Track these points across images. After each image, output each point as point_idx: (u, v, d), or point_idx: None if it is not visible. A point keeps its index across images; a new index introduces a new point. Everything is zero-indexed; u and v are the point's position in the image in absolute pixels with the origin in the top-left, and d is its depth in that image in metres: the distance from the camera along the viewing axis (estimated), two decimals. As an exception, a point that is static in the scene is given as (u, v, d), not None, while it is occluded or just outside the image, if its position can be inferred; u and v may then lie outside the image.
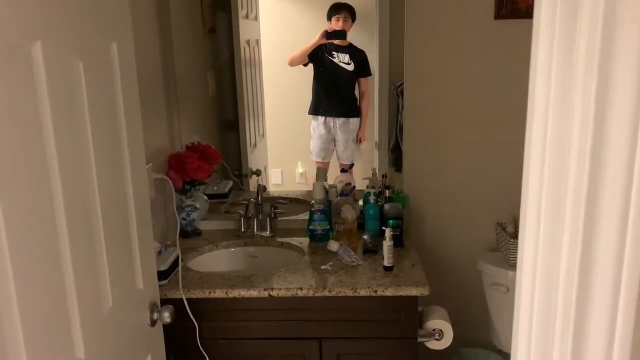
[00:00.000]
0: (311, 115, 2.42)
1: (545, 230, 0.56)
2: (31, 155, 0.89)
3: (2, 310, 0.81)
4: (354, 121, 2.39)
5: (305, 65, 2.35)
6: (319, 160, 2.46)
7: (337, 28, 2.26)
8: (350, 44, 2.32)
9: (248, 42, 2.50)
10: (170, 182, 1.83)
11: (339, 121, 2.39)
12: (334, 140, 2.42)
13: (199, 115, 2.43)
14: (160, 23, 2.04)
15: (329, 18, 2.29)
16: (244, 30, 2.45)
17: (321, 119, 2.40)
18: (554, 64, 0.51)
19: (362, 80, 2.35)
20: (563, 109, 0.50)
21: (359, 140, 2.39)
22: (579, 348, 0.53)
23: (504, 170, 2.18)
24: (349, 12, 2.27)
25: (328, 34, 2.28)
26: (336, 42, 2.30)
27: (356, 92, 2.38)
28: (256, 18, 2.54)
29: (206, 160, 2.07)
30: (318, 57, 2.33)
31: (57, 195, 0.96)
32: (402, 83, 2.20)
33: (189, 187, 2.07)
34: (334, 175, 2.41)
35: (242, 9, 2.44)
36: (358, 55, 2.32)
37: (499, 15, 2.01)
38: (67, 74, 1.01)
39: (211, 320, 1.70)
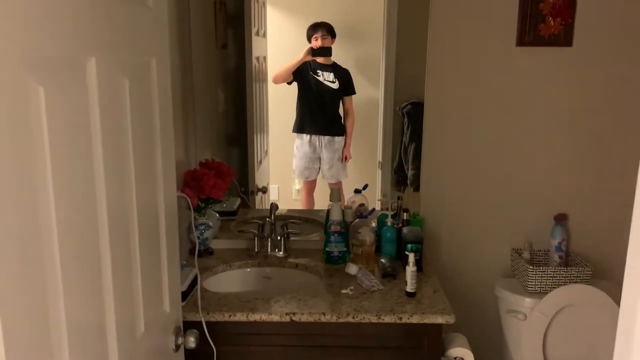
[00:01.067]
0: (295, 134, 2.40)
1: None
2: (83, 175, 0.85)
3: (51, 331, 0.76)
4: (339, 139, 2.38)
5: (289, 83, 2.34)
6: (303, 179, 2.44)
7: (320, 46, 2.26)
8: (335, 63, 2.31)
9: (257, 58, 2.49)
10: (188, 199, 1.78)
11: (324, 139, 2.38)
12: (319, 158, 2.40)
13: (210, 131, 2.40)
14: (180, 39, 2.01)
15: (309, 38, 2.28)
16: (255, 46, 2.44)
17: (306, 137, 2.39)
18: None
19: (347, 98, 2.34)
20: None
21: (344, 159, 2.37)
22: None
23: (520, 197, 2.18)
24: (327, 30, 2.27)
25: (313, 51, 2.27)
26: (320, 60, 2.30)
27: (340, 111, 2.37)
28: (265, 35, 2.53)
29: (222, 177, 2.03)
30: (302, 75, 2.32)
31: (102, 213, 0.92)
32: (408, 104, 2.19)
33: (203, 205, 2.03)
34: (320, 195, 2.39)
35: (254, 25, 2.43)
36: (342, 74, 2.31)
37: (521, 42, 2.01)
38: (115, 90, 0.97)
39: (229, 344, 1.64)
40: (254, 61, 2.46)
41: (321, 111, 2.40)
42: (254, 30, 2.44)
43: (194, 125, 2.14)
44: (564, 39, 2.00)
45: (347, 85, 2.32)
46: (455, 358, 1.73)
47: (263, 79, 2.50)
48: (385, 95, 2.32)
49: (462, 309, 2.19)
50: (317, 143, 2.38)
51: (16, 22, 0.67)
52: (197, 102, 2.16)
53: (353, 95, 2.33)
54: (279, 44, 2.50)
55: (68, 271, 0.79)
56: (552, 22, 1.98)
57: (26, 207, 0.70)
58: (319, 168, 2.42)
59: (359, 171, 2.45)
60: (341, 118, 2.36)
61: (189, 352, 1.48)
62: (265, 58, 2.56)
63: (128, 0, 1.03)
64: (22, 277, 0.69)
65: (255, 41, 2.46)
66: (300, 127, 2.38)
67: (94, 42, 0.88)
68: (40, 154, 0.73)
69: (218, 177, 2.01)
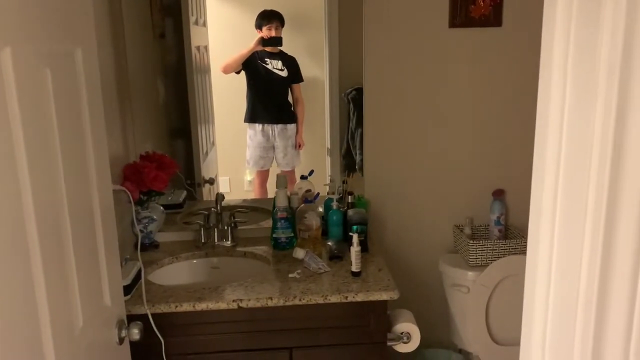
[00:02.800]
0: (247, 124, 2.40)
1: (561, 232, 0.57)
2: (3, 168, 0.83)
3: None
4: (291, 127, 2.39)
5: (238, 72, 2.33)
6: (258, 168, 2.45)
7: (271, 35, 2.25)
8: (281, 51, 2.32)
9: (198, 48, 2.46)
10: (128, 193, 1.75)
11: (277, 128, 2.38)
12: (273, 147, 2.41)
13: (150, 123, 2.35)
14: (113, 28, 1.96)
15: (259, 27, 2.28)
16: (194, 36, 2.40)
17: (259, 126, 2.38)
18: (569, 68, 0.52)
19: (295, 86, 2.35)
20: (581, 113, 0.51)
21: (297, 146, 2.39)
22: (599, 345, 0.54)
23: (459, 175, 2.24)
24: (279, 20, 2.27)
25: (264, 41, 2.27)
26: (268, 49, 2.29)
27: (290, 99, 2.38)
28: (205, 24, 2.50)
29: (163, 170, 2.00)
30: (252, 64, 2.31)
31: (28, 209, 0.90)
32: (352, 89, 2.22)
33: (145, 198, 2.00)
34: (273, 184, 2.41)
35: (192, 14, 2.39)
36: (290, 62, 2.32)
37: (453, 23, 2.07)
38: (35, 81, 0.95)
39: (178, 335, 1.64)
40: (194, 51, 2.42)
41: (272, 100, 2.40)
42: (192, 19, 2.40)
43: (131, 118, 2.10)
44: (494, 19, 2.06)
45: (295, 73, 2.32)
46: (402, 333, 1.78)
47: (205, 69, 2.47)
48: (331, 82, 2.33)
49: (409, 286, 2.25)
50: (270, 132, 2.38)
51: None
52: (133, 94, 2.11)
53: (301, 83, 2.33)
54: (220, 33, 2.47)
55: (-9, 267, 0.78)
56: (482, 3, 2.04)
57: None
58: (273, 157, 2.42)
59: (308, 158, 2.47)
60: (291, 106, 2.37)
61: (137, 345, 1.47)
62: (206, 47, 2.53)
63: (45, -12, 1.00)
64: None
65: (195, 30, 2.42)
66: (253, 116, 2.37)
67: (8, 31, 0.86)
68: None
69: (159, 169, 1.99)
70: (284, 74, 2.33)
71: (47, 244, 0.96)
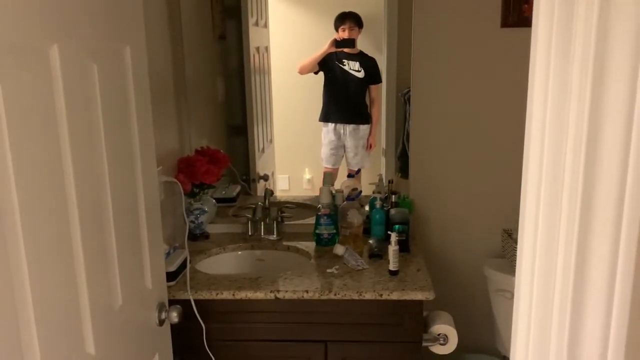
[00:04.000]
0: (322, 122, 2.45)
1: (542, 231, 0.57)
2: (47, 156, 0.92)
3: (18, 307, 0.83)
4: (363, 128, 2.42)
5: (316, 73, 2.38)
6: (329, 166, 2.49)
7: (344, 37, 2.29)
8: (361, 52, 2.35)
9: (257, 49, 2.54)
10: (180, 184, 1.85)
11: (349, 128, 2.42)
12: (344, 146, 2.44)
13: (209, 120, 2.46)
14: (171, 28, 2.07)
15: (336, 29, 2.32)
16: (254, 37, 2.48)
17: (331, 125, 2.43)
18: (551, 71, 0.52)
19: (373, 87, 2.37)
20: (560, 113, 0.51)
21: (369, 147, 2.41)
22: (575, 349, 0.54)
23: (509, 177, 2.18)
24: (355, 21, 2.30)
25: (337, 43, 2.31)
26: (346, 50, 2.33)
27: (367, 99, 2.41)
28: (266, 25, 2.58)
29: (215, 164, 2.10)
30: (328, 65, 2.36)
31: (70, 195, 0.99)
32: (409, 90, 2.22)
33: (197, 190, 2.10)
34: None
35: (252, 16, 2.48)
36: (368, 63, 2.35)
37: (505, 23, 2.03)
38: (82, 77, 1.04)
39: (218, 322, 1.71)
40: (253, 51, 2.51)
41: (346, 100, 2.44)
42: (252, 21, 2.48)
43: (187, 114, 2.21)
44: (549, 19, 2.00)
45: (373, 74, 2.35)
46: (439, 335, 1.77)
47: (265, 69, 2.55)
48: (388, 82, 2.34)
49: (452, 288, 2.23)
50: (342, 131, 2.43)
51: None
52: (191, 92, 2.22)
53: (379, 84, 2.37)
54: (282, 33, 2.54)
55: (32, 245, 0.86)
56: (535, 3, 1.98)
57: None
58: (344, 156, 2.47)
59: (370, 158, 2.49)
60: (367, 107, 2.40)
61: (180, 329, 1.55)
62: (267, 48, 2.61)
63: (95, -9, 1.09)
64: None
65: (255, 31, 2.50)
66: (326, 116, 2.43)
67: (56, 29, 0.95)
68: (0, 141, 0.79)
69: (211, 163, 2.08)
70: (361, 75, 2.36)
71: (89, 231, 1.04)
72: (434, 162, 2.21)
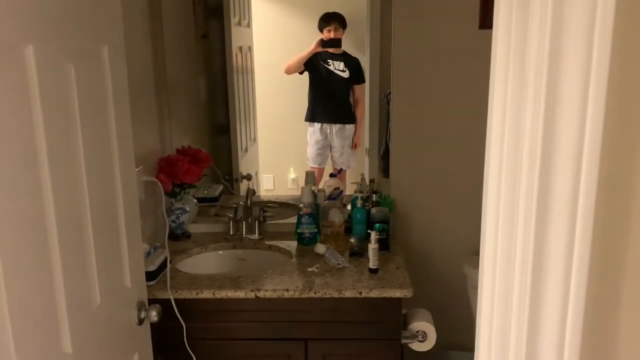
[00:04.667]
0: (308, 122, 2.47)
1: (503, 227, 0.59)
2: (23, 156, 0.92)
3: (-9, 304, 0.84)
4: (349, 127, 2.44)
5: (301, 73, 2.40)
6: (315, 166, 2.51)
7: (330, 37, 2.31)
8: (345, 52, 2.37)
9: (240, 48, 2.54)
10: (160, 184, 1.86)
11: (335, 127, 2.44)
12: (330, 146, 2.46)
13: (190, 120, 2.46)
14: (152, 27, 2.07)
15: (321, 29, 2.34)
16: (236, 36, 2.49)
17: (317, 125, 2.45)
18: (510, 73, 0.54)
19: (357, 87, 2.40)
20: (518, 114, 0.53)
21: (354, 146, 2.44)
22: (534, 346, 0.56)
23: (489, 176, 2.22)
24: (339, 22, 2.32)
25: (323, 42, 2.33)
26: (331, 50, 2.35)
27: (351, 99, 2.43)
28: (249, 25, 2.58)
29: (196, 163, 2.10)
30: (314, 65, 2.38)
31: (47, 194, 0.99)
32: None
33: (178, 190, 2.10)
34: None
35: (234, 15, 2.48)
36: (352, 63, 2.37)
37: (483, 25, 2.05)
38: (58, 78, 1.04)
39: (199, 321, 1.72)
40: (236, 51, 2.51)
41: (332, 100, 2.46)
42: (234, 21, 2.49)
43: (168, 113, 2.21)
44: (526, 20, 2.03)
45: (357, 74, 2.38)
46: (417, 332, 1.80)
47: (248, 69, 2.55)
48: (371, 83, 2.37)
49: (432, 286, 2.25)
50: (328, 131, 2.45)
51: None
52: (172, 91, 2.22)
53: (363, 84, 2.39)
54: (266, 33, 2.55)
55: (7, 244, 0.86)
56: (513, 5, 2.01)
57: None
58: (330, 155, 2.49)
59: (355, 157, 2.51)
60: (352, 106, 2.42)
61: (160, 329, 1.56)
62: (250, 48, 2.62)
63: (72, -9, 1.09)
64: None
65: (238, 31, 2.51)
66: (312, 115, 2.45)
67: (32, 29, 0.95)
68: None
69: (192, 162, 2.08)
70: (346, 75, 2.38)
71: (66, 231, 1.05)
72: (414, 162, 2.23)
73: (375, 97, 2.38)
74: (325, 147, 2.46)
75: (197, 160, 2.13)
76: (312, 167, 2.50)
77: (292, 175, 2.66)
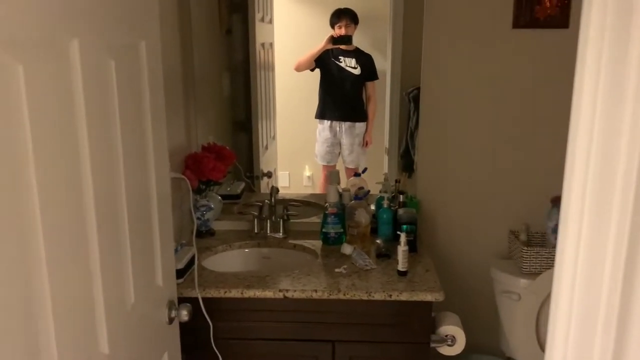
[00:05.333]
0: (317, 120, 2.44)
1: (588, 229, 0.56)
2: (65, 151, 0.90)
3: (36, 306, 0.82)
4: (359, 125, 2.40)
5: (312, 70, 2.37)
6: (324, 163, 2.48)
7: (341, 34, 2.28)
8: (357, 48, 2.34)
9: (263, 44, 2.52)
10: (188, 181, 1.84)
11: (345, 125, 2.41)
12: (340, 144, 2.43)
13: (214, 116, 2.44)
14: (180, 23, 2.05)
15: (332, 26, 2.31)
16: (260, 33, 2.47)
17: (327, 122, 2.42)
18: (602, 70, 0.51)
19: (369, 84, 2.37)
20: (612, 114, 0.50)
21: (365, 144, 2.40)
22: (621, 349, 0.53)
23: (516, 179, 2.19)
24: (350, 18, 2.29)
25: (334, 39, 2.31)
26: (342, 46, 2.32)
27: (363, 96, 2.39)
28: (271, 21, 2.56)
29: (222, 160, 2.08)
30: (325, 61, 2.35)
31: (88, 191, 0.97)
32: (414, 89, 2.21)
33: (204, 187, 2.09)
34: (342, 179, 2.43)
35: (258, 11, 2.46)
36: (364, 59, 2.34)
37: (517, 24, 2.02)
38: (100, 72, 1.02)
39: (225, 320, 1.70)
40: (259, 47, 2.49)
41: (342, 97, 2.43)
42: (258, 16, 2.47)
43: (195, 110, 2.19)
44: (561, 20, 2.00)
45: (369, 71, 2.34)
46: (446, 336, 1.77)
47: (270, 65, 2.53)
48: (392, 80, 2.33)
49: (458, 289, 2.22)
50: (338, 128, 2.42)
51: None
52: (198, 87, 2.20)
53: (375, 81, 2.35)
54: (287, 30, 2.53)
55: (51, 244, 0.85)
56: (547, 4, 1.98)
57: (7, 184, 0.75)
58: (339, 153, 2.46)
59: (367, 156, 2.48)
60: (363, 103, 2.39)
61: (187, 327, 1.54)
62: (271, 44, 2.60)
63: (113, -15, 1.07)
64: (4, 250, 0.74)
65: (261, 27, 2.49)
66: (322, 112, 2.42)
67: (77, 24, 0.93)
68: (22, 133, 0.77)
69: (218, 160, 2.06)
70: (357, 71, 2.35)
71: (104, 227, 1.03)
72: (441, 163, 2.20)
73: (397, 95, 2.34)
74: (334, 145, 2.43)
75: (222, 157, 2.11)
76: (324, 166, 2.47)
77: (308, 172, 2.64)
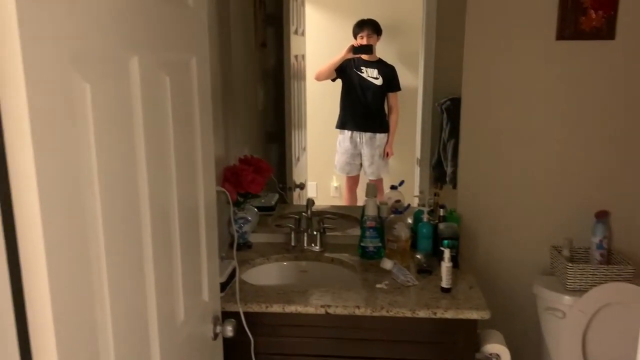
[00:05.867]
0: (338, 130, 2.43)
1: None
2: (126, 171, 0.90)
3: (98, 322, 0.81)
4: (380, 136, 2.38)
5: (334, 80, 2.37)
6: (344, 174, 2.46)
7: (362, 44, 2.27)
8: (380, 59, 2.33)
9: (296, 56, 2.53)
10: (228, 194, 1.84)
11: (365, 136, 2.39)
12: (360, 154, 2.41)
13: (248, 128, 2.45)
14: (220, 37, 2.07)
15: (355, 36, 2.30)
16: (293, 45, 2.48)
17: (347, 133, 2.41)
18: None
19: (391, 95, 2.35)
20: None
21: (385, 155, 2.37)
22: None
23: (560, 193, 2.14)
24: (373, 28, 2.28)
25: (355, 49, 2.30)
26: (365, 57, 2.31)
27: (385, 107, 2.37)
28: (303, 33, 2.57)
29: (260, 173, 2.08)
30: (346, 71, 2.35)
31: (144, 203, 0.97)
32: (447, 100, 2.18)
33: (242, 199, 2.08)
34: (361, 192, 2.40)
35: (292, 24, 2.47)
36: (387, 70, 2.32)
37: (561, 36, 1.98)
38: (157, 88, 1.02)
39: (266, 335, 1.69)
40: (293, 59, 2.50)
41: (363, 107, 2.42)
42: (292, 29, 2.48)
43: (233, 122, 2.20)
44: (607, 32, 1.95)
45: (391, 82, 2.33)
46: (490, 354, 1.73)
47: (301, 77, 2.54)
48: (424, 91, 2.31)
49: (499, 306, 2.17)
50: (358, 139, 2.40)
51: (67, 24, 0.72)
52: (236, 100, 2.21)
53: (398, 92, 2.34)
54: (318, 42, 2.54)
55: (112, 260, 0.84)
56: (593, 15, 1.93)
57: (73, 199, 0.75)
58: (360, 164, 2.44)
59: (397, 167, 2.46)
60: (385, 114, 2.37)
61: (227, 342, 1.53)
62: (303, 56, 2.60)
63: (170, 0, 1.08)
64: (70, 268, 0.74)
65: (294, 40, 2.50)
66: (343, 123, 2.41)
67: (136, 41, 0.93)
68: (86, 147, 0.78)
69: (256, 172, 2.06)
70: (379, 82, 2.34)
71: (159, 240, 1.03)
72: (482, 176, 2.16)
73: (429, 106, 2.32)
74: (355, 156, 2.41)
75: (260, 170, 2.10)
76: (347, 177, 2.46)
77: (335, 183, 2.62)
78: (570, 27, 1.96)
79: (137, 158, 0.94)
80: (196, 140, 1.25)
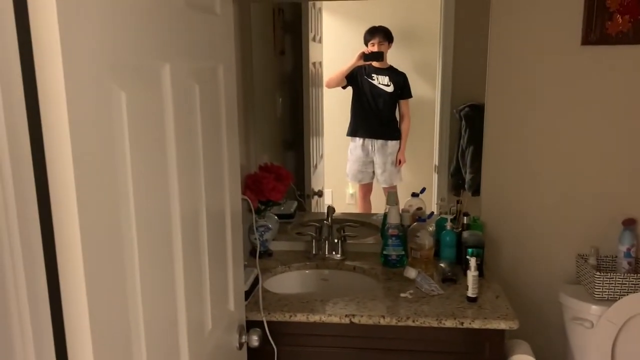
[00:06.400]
0: (349, 138, 2.41)
1: None
2: (158, 179, 0.89)
3: (132, 328, 0.80)
4: (392, 144, 2.36)
5: (344, 87, 2.35)
6: (356, 182, 2.44)
7: (372, 51, 2.26)
8: (391, 66, 2.30)
9: (314, 64, 2.52)
10: (250, 202, 1.83)
11: (377, 143, 2.37)
12: (372, 162, 2.39)
13: (268, 135, 2.45)
14: (241, 45, 2.07)
15: (366, 43, 2.29)
16: (312, 52, 2.47)
17: (359, 140, 2.39)
18: None
19: (402, 102, 2.33)
20: None
21: (398, 162, 2.35)
22: None
23: (586, 201, 2.10)
24: (384, 35, 2.26)
25: (365, 56, 2.28)
26: (376, 64, 2.30)
27: (397, 115, 2.35)
28: (320, 40, 2.56)
29: (281, 181, 2.07)
30: (357, 79, 2.33)
31: (175, 211, 0.96)
32: (465, 106, 2.16)
33: (263, 207, 2.07)
34: (376, 199, 2.40)
35: (311, 31, 2.47)
36: (398, 77, 2.30)
37: (586, 40, 1.95)
38: (187, 95, 1.02)
39: (289, 344, 1.67)
40: (311, 67, 2.49)
41: (375, 115, 2.40)
42: (310, 36, 2.47)
43: (254, 129, 2.19)
44: (634, 36, 1.92)
45: (402, 89, 2.31)
46: (518, 365, 1.69)
47: (319, 84, 2.53)
48: (442, 97, 2.29)
49: (525, 315, 2.12)
50: (370, 147, 2.38)
51: (105, 37, 0.72)
52: (256, 107, 2.21)
53: (409, 99, 2.32)
54: (335, 49, 2.53)
55: (145, 267, 0.83)
56: (620, 20, 1.90)
57: (110, 208, 0.74)
58: (373, 172, 2.42)
59: (414, 175, 2.43)
60: (397, 122, 2.35)
61: (251, 352, 1.51)
62: (321, 63, 2.60)
63: (198, 8, 1.07)
64: (106, 275, 0.73)
65: (312, 47, 2.49)
66: (354, 130, 2.40)
67: (168, 49, 0.93)
68: (122, 155, 0.77)
69: (277, 180, 2.05)
70: (390, 89, 2.32)
71: (188, 249, 1.02)
72: (506, 184, 2.13)
73: (447, 113, 2.30)
74: (367, 164, 2.39)
75: (281, 177, 2.10)
76: (360, 185, 2.44)
77: (350, 190, 2.60)
78: (596, 32, 1.93)
79: (168, 165, 0.93)
80: (223, 147, 1.25)
